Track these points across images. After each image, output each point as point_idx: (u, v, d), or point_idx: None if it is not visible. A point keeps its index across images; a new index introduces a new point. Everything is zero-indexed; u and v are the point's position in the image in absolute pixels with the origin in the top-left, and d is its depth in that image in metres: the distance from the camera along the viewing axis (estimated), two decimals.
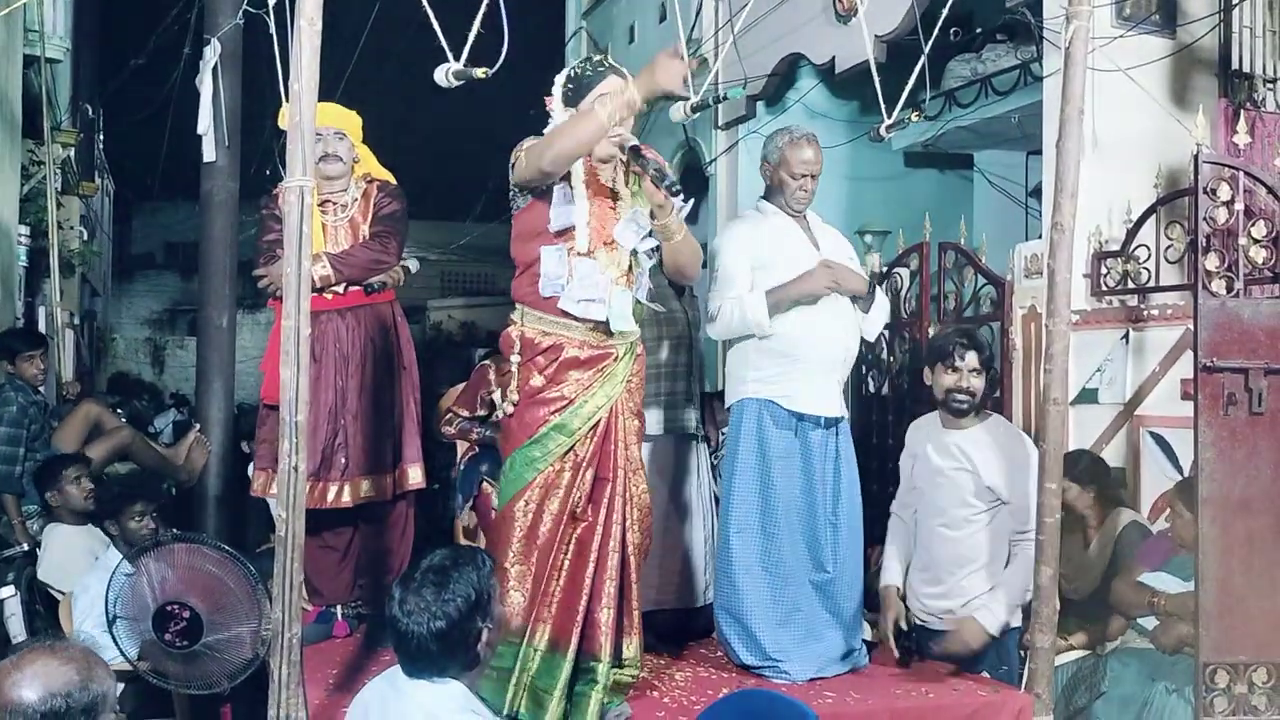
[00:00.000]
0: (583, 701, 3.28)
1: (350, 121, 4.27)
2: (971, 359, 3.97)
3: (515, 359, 3.35)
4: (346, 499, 4.11)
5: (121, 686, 4.33)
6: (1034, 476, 3.87)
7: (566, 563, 3.32)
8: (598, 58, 3.41)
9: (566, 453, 3.32)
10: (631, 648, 3.42)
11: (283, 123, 3.95)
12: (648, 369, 3.97)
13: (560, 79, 3.43)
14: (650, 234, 3.40)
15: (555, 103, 3.42)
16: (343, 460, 4.09)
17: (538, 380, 3.33)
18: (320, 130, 4.13)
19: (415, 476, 4.26)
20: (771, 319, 3.83)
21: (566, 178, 3.34)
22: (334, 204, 4.21)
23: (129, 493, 4.72)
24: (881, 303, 4.11)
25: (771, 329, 3.85)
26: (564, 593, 3.31)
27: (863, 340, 4.11)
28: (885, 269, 6.01)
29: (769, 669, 3.83)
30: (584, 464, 3.34)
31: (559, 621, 3.29)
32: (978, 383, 4.00)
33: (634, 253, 3.39)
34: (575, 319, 3.31)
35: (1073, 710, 4.29)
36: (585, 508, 3.34)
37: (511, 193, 3.41)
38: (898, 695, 3.73)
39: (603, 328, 3.33)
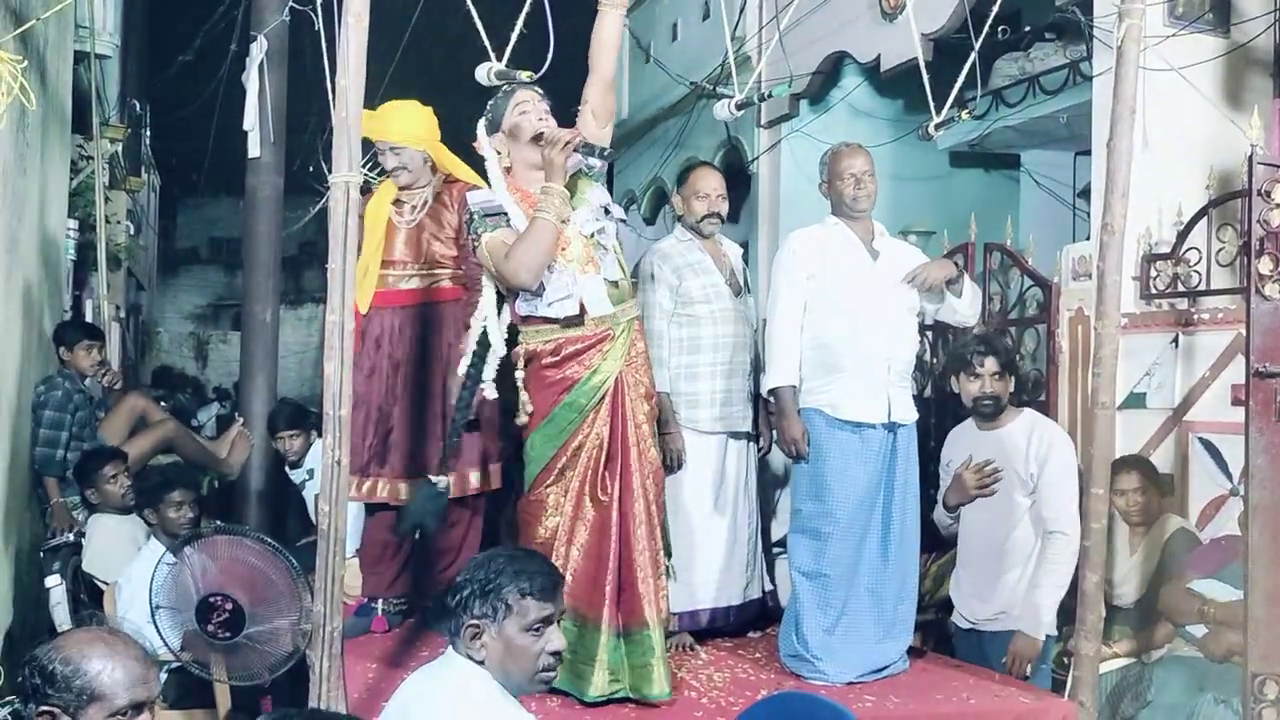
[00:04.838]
0: (647, 672, 3.46)
1: (408, 129, 4.11)
2: (991, 364, 4.19)
3: (519, 374, 3.58)
4: (384, 495, 4.08)
5: (164, 675, 4.39)
6: (1064, 467, 3.90)
7: (587, 539, 3.50)
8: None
9: (579, 432, 3.52)
10: (664, 611, 3.59)
11: (367, 132, 3.93)
12: (701, 366, 4.04)
13: (482, 120, 3.63)
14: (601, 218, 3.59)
15: (481, 137, 3.62)
16: (384, 458, 4.07)
17: (548, 374, 3.56)
18: (375, 143, 4.07)
19: (474, 480, 4.10)
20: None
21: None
22: (406, 205, 4.16)
23: (167, 481, 4.77)
24: (972, 285, 4.17)
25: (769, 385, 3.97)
26: (585, 568, 3.48)
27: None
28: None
29: (807, 668, 3.83)
30: (598, 445, 3.53)
31: (584, 595, 3.46)
32: (1000, 386, 4.21)
33: (591, 238, 3.57)
34: (560, 321, 3.52)
35: (1118, 719, 4.23)
36: (604, 487, 3.52)
37: (470, 224, 3.58)
38: (938, 700, 3.70)
39: (591, 319, 3.53)
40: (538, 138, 3.49)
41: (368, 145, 3.38)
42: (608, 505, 3.50)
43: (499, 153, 3.61)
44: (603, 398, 3.54)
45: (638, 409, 3.59)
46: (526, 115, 3.57)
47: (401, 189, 4.15)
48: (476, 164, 4.20)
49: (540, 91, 3.63)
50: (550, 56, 3.47)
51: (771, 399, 4.03)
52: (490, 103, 3.64)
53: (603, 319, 3.55)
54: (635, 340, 3.63)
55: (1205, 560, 4.30)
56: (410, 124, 4.15)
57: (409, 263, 4.13)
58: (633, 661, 3.47)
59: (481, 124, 3.64)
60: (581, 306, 3.52)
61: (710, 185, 4.29)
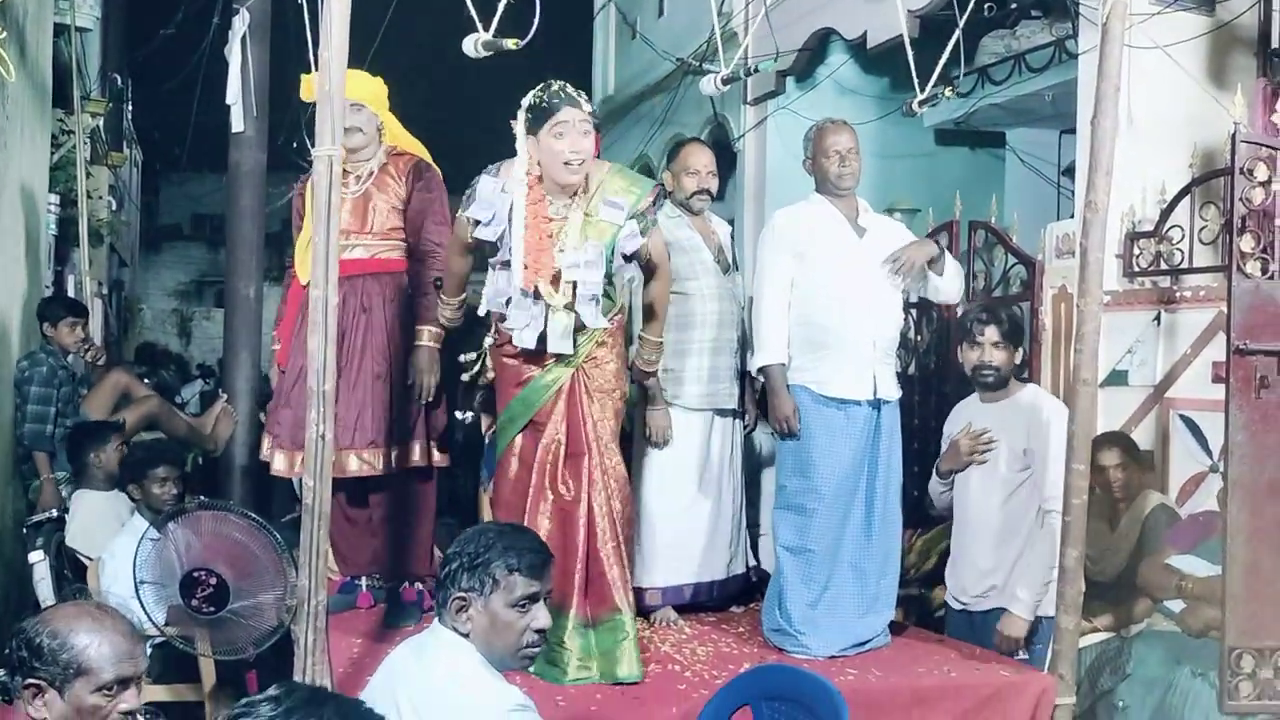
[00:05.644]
0: (617, 653, 3.50)
1: (367, 89, 4.10)
2: (991, 333, 4.14)
3: (489, 340, 3.67)
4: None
5: (149, 650, 4.39)
6: (1064, 444, 3.91)
7: (551, 530, 3.51)
8: (556, 86, 3.48)
9: (530, 426, 3.59)
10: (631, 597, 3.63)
11: (306, 94, 3.93)
12: (689, 344, 4.08)
13: (524, 104, 3.51)
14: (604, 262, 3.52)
15: (519, 128, 3.52)
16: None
17: (509, 362, 3.62)
18: None
19: (417, 455, 4.13)
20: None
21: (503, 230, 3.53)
22: (351, 175, 4.10)
23: (151, 457, 4.76)
24: (953, 263, 4.18)
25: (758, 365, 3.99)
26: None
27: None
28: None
29: (790, 642, 3.85)
30: (554, 443, 3.56)
31: (554, 584, 3.40)
32: (1001, 355, 4.16)
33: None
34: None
35: (1097, 692, 4.28)
36: (565, 483, 3.56)
37: (464, 207, 3.58)
38: (920, 673, 3.73)
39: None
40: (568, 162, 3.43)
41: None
42: (572, 500, 3.54)
43: (530, 155, 3.49)
44: (556, 393, 3.55)
45: (595, 407, 3.58)
46: (562, 139, 3.42)
47: (351, 151, 4.09)
48: (433, 143, 4.30)
49: (589, 112, 3.47)
50: (536, 23, 3.44)
51: (760, 377, 4.03)
52: (535, 100, 3.47)
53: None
54: (604, 339, 3.58)
55: (1184, 536, 4.34)
56: (365, 84, 4.12)
57: (353, 233, 4.07)
58: (603, 647, 3.50)
59: (522, 111, 3.50)
60: (544, 334, 3.48)
61: (701, 161, 4.27)
